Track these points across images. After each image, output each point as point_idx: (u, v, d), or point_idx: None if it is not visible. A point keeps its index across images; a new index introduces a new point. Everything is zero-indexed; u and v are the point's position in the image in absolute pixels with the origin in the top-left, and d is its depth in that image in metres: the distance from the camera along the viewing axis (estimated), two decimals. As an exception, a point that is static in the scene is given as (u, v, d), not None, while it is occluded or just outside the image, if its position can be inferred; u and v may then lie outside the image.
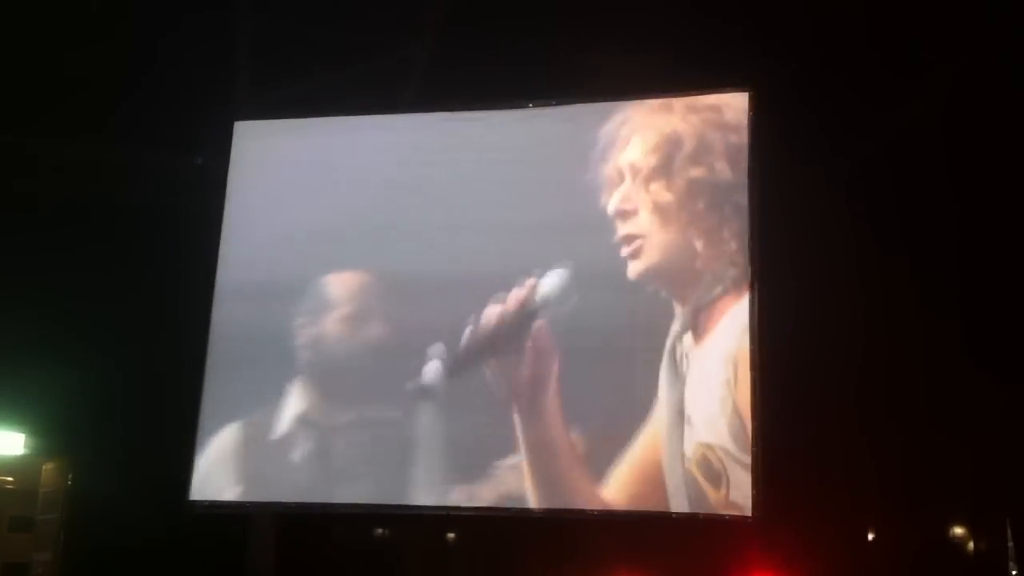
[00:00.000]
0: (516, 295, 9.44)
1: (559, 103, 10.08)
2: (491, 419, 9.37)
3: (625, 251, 9.26)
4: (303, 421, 10.02)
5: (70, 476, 12.25)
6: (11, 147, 12.29)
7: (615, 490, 8.95)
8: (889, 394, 9.86)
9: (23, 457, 12.75)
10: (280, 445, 9.99)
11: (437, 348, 9.67)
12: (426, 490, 9.53)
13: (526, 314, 9.41)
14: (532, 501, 9.23)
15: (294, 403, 10.10)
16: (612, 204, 9.40)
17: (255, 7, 9.89)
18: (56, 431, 12.27)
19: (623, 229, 9.31)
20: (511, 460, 9.24)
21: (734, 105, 9.32)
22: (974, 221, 9.59)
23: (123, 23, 10.03)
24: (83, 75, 10.69)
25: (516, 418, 9.27)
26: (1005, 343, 9.63)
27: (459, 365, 9.47)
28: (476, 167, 10.22)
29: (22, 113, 11.54)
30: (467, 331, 9.48)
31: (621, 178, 9.44)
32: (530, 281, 9.43)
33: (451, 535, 11.52)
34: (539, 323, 9.36)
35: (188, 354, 10.46)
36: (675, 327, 9.07)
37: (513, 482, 9.23)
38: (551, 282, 9.37)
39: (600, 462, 9.02)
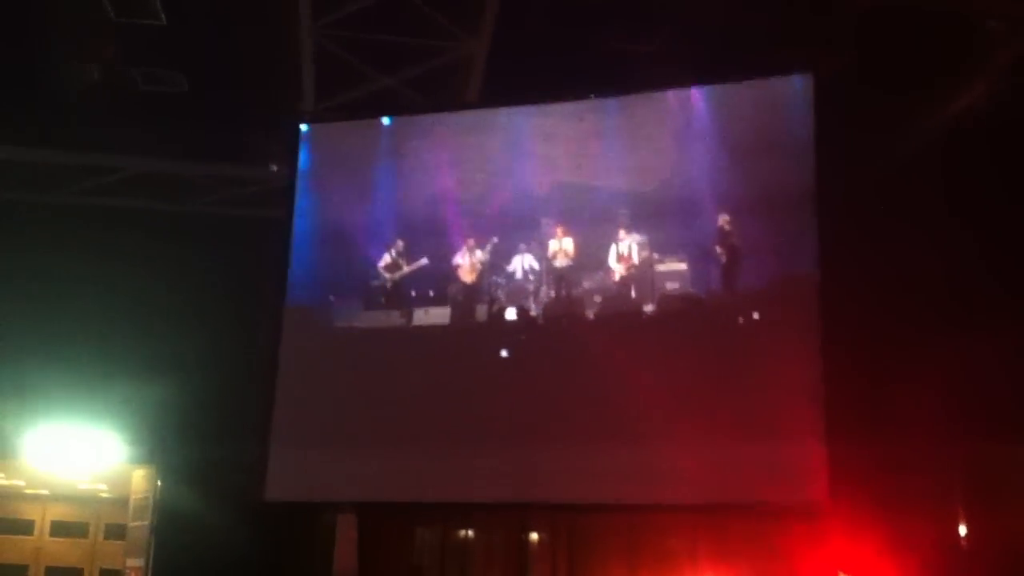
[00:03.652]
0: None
1: (620, 94, 10.17)
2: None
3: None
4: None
5: (159, 482, 12.47)
6: (93, 166, 12.66)
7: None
8: (967, 384, 9.49)
9: (116, 465, 13.04)
10: (350, 444, 10.24)
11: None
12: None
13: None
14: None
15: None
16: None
17: (314, 15, 9.96)
18: (144, 440, 12.52)
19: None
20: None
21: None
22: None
23: (186, 37, 10.18)
24: (154, 91, 10.89)
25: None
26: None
27: None
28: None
29: (100, 132, 11.83)
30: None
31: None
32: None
33: (533, 534, 11.49)
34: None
35: (262, 362, 10.72)
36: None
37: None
38: None
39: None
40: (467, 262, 10.72)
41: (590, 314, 10.26)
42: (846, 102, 9.07)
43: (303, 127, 11.27)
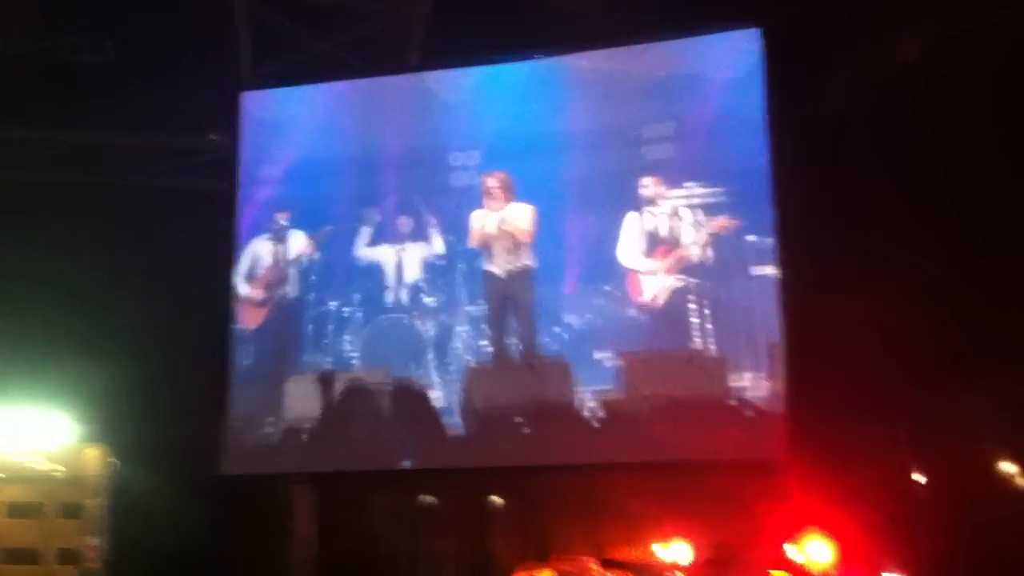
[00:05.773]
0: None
1: (565, 52, 9.93)
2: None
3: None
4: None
5: (112, 460, 12.31)
6: (30, 141, 12.27)
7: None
8: (920, 329, 9.48)
9: (69, 445, 12.85)
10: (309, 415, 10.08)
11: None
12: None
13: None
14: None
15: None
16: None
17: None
18: (97, 418, 12.32)
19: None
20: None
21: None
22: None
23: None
24: (88, 63, 10.59)
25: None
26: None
27: None
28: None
29: (38, 107, 11.45)
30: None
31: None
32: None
33: (492, 497, 11.41)
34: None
35: (217, 338, 10.55)
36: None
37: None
38: None
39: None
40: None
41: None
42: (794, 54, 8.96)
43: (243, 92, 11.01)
